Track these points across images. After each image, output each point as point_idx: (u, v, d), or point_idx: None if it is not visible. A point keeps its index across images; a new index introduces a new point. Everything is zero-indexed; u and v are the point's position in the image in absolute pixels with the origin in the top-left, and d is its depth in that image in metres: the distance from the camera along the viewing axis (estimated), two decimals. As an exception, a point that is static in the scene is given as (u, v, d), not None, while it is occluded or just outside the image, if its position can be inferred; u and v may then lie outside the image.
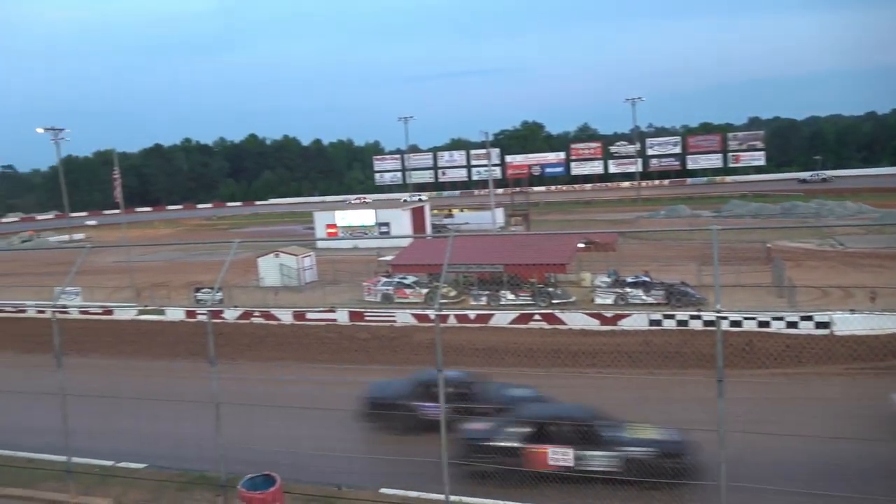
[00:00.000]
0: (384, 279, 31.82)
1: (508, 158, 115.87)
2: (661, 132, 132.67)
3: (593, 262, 32.23)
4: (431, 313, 9.52)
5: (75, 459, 10.95)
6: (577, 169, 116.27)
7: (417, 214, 56.89)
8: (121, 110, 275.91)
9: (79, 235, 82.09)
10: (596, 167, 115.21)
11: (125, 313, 29.10)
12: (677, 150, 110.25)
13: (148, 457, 12.24)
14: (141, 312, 29.06)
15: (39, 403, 12.13)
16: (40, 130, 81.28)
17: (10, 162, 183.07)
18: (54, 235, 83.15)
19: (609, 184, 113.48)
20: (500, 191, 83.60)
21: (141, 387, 15.78)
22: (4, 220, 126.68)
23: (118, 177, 41.31)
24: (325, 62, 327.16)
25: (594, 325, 23.41)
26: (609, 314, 23.79)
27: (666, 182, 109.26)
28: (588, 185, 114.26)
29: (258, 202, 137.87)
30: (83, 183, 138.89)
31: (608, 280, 28.53)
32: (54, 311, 11.03)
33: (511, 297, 28.55)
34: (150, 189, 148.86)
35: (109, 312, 29.54)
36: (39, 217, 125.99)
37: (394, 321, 25.90)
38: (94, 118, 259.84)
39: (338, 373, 19.08)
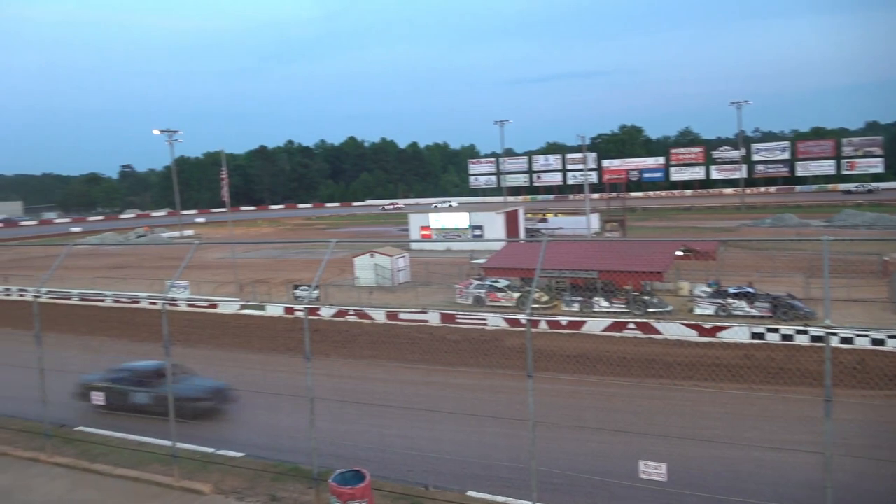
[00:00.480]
0: (476, 282, 31.81)
1: (605, 163, 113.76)
2: (768, 137, 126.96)
3: (692, 270, 31.11)
4: (523, 318, 9.41)
5: (180, 445, 11.51)
6: (678, 174, 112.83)
7: (511, 218, 56.62)
8: (229, 113, 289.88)
9: (188, 232, 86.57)
10: (697, 173, 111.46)
11: (228, 307, 30.38)
12: (786, 155, 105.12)
13: (245, 445, 12.72)
14: (243, 307, 30.27)
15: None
16: (157, 132, 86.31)
17: (130, 161, 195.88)
18: (166, 232, 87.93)
19: (711, 190, 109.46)
20: (595, 196, 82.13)
21: (240, 378, 16.44)
22: (123, 216, 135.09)
23: (225, 177, 43.23)
24: (424, 66, 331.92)
25: (691, 336, 22.61)
26: (708, 325, 22.92)
27: (772, 189, 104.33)
28: (688, 192, 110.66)
29: (355, 203, 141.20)
30: (194, 182, 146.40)
31: (709, 290, 27.49)
32: (165, 304, 11.64)
33: (605, 304, 27.98)
34: (255, 188, 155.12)
35: (214, 306, 30.92)
36: (154, 214, 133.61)
37: (485, 324, 25.85)
38: (206, 121, 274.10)
39: (428, 373, 19.21)
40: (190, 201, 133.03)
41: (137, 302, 31.57)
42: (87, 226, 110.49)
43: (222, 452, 12.40)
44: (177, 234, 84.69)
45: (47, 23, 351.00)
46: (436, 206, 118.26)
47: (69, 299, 33.36)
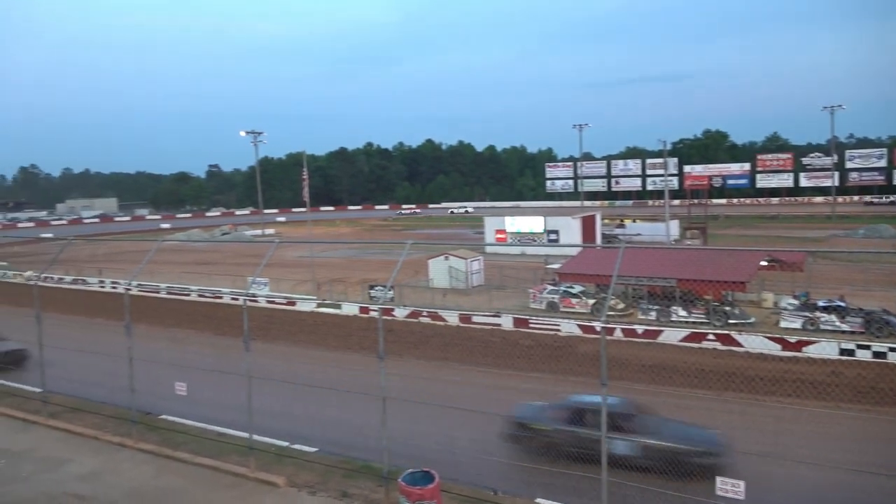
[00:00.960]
0: (550, 287, 31.53)
1: (687, 168, 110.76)
2: (863, 143, 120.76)
3: (777, 282, 29.90)
4: (598, 325, 9.27)
5: (256, 437, 11.85)
6: (764, 181, 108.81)
7: (588, 223, 55.84)
8: (311, 116, 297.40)
9: (269, 231, 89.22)
10: (785, 180, 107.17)
11: (306, 305, 31.11)
12: (882, 163, 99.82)
13: (318, 441, 12.98)
14: (319, 305, 30.92)
15: (229, 382, 13.28)
16: (243, 133, 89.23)
17: (217, 161, 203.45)
18: (249, 230, 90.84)
19: (799, 198, 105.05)
20: (676, 202, 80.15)
21: (315, 375, 16.78)
22: (209, 213, 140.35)
23: (306, 177, 44.35)
24: (503, 69, 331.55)
25: (775, 349, 21.73)
26: (793, 339, 21.97)
27: (867, 198, 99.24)
28: (774, 199, 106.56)
29: (431, 205, 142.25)
30: (276, 182, 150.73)
31: (796, 302, 26.38)
32: (245, 299, 12.02)
33: (683, 313, 27.22)
34: (334, 189, 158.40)
35: (292, 303, 31.72)
36: (238, 212, 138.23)
37: (558, 330, 25.57)
38: (289, 123, 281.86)
39: (500, 377, 19.15)
40: (272, 201, 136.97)
41: (220, 297, 32.69)
42: (175, 223, 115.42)
43: (296, 447, 12.70)
44: (259, 232, 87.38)
45: (147, 29, 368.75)
46: (452, 212, 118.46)
47: (157, 292, 34.88)
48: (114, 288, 37.62)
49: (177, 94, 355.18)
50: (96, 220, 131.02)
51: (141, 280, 30.57)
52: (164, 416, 14.64)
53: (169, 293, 35.90)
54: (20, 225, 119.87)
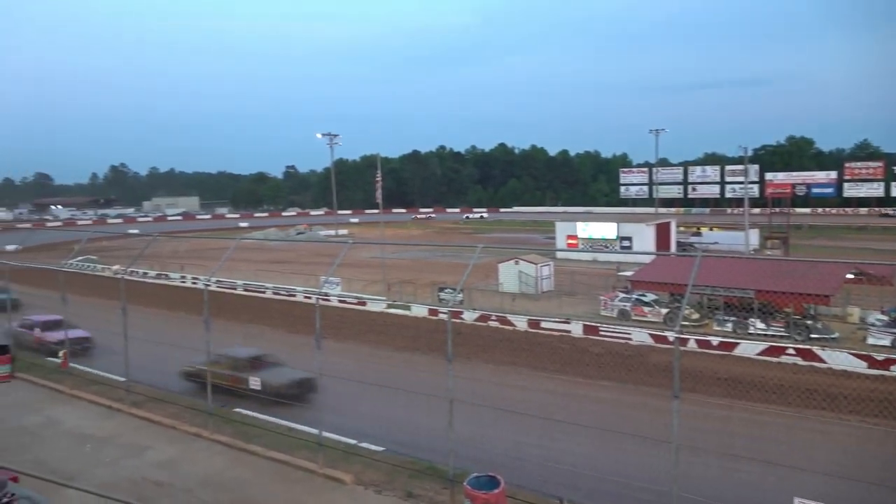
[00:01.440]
0: (622, 295, 31.05)
1: (769, 176, 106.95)
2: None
3: (864, 296, 28.52)
4: (671, 335, 9.05)
5: (325, 434, 12.08)
6: (852, 191, 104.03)
7: (662, 231, 54.68)
8: (386, 118, 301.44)
9: (343, 231, 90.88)
10: (875, 189, 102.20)
11: (376, 306, 31.52)
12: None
13: (385, 441, 13.13)
14: (389, 306, 31.27)
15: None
16: (319, 136, 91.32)
17: (294, 162, 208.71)
18: (323, 230, 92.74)
19: (890, 209, 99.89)
20: (756, 210, 77.43)
21: (384, 375, 16.99)
22: (285, 213, 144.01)
23: (380, 179, 44.94)
24: (577, 72, 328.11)
25: (860, 367, 20.71)
26: (880, 357, 20.89)
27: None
28: (863, 210, 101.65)
29: (503, 209, 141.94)
30: (350, 183, 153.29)
31: (885, 318, 25.09)
32: (318, 298, 12.27)
33: (761, 326, 26.28)
34: (407, 191, 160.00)
35: (363, 303, 32.19)
36: (313, 213, 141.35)
37: (629, 339, 25.09)
38: (364, 125, 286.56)
39: (569, 384, 18.93)
40: (346, 202, 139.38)
41: (294, 295, 33.45)
42: (253, 221, 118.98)
43: (364, 445, 12.88)
44: (332, 232, 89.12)
45: (231, 33, 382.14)
46: (467, 217, 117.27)
47: (235, 289, 36.03)
48: (194, 283, 39.00)
49: (257, 96, 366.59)
50: (179, 217, 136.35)
51: (220, 276, 31.62)
52: (237, 410, 15.09)
53: (245, 290, 37.02)
54: (109, 221, 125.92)
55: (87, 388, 16.95)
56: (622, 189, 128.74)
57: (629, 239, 52.91)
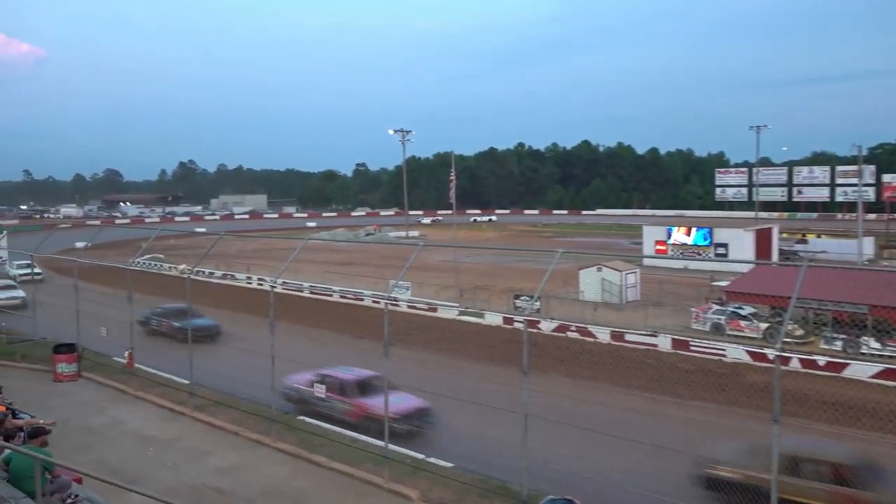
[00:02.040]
0: (716, 307, 30.27)
1: (886, 178, 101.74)
2: None
3: None
4: (771, 352, 8.73)
5: (391, 447, 12.19)
6: None
7: (763, 237, 52.98)
8: (461, 115, 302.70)
9: (414, 233, 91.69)
10: None
11: (447, 312, 31.64)
12: None
13: (455, 456, 13.13)
14: (461, 313, 31.35)
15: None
16: (391, 132, 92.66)
17: (364, 160, 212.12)
18: (393, 231, 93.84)
19: None
20: (871, 216, 74.01)
21: (454, 386, 17.02)
22: (354, 213, 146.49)
23: (453, 178, 45.11)
24: (668, 66, 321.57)
25: None
26: None
27: None
28: None
29: (585, 212, 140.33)
30: (422, 182, 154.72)
31: None
32: (387, 303, 12.40)
33: (875, 345, 25.05)
34: (482, 191, 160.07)
35: (434, 310, 32.36)
36: (383, 213, 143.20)
37: (723, 355, 24.41)
38: (437, 121, 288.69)
39: (654, 403, 18.53)
40: (417, 201, 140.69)
41: (361, 299, 33.96)
42: (321, 221, 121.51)
43: (432, 460, 12.92)
44: (402, 234, 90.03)
45: (299, 27, 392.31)
46: (475, 220, 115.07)
47: (301, 291, 36.81)
48: (259, 285, 40.09)
49: (327, 91, 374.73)
50: (246, 216, 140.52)
51: (286, 278, 32.40)
52: (301, 418, 15.39)
53: (311, 292, 37.77)
54: (176, 219, 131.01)
55: (151, 389, 17.65)
56: (718, 191, 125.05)
57: (725, 246, 51.57)
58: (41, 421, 11.91)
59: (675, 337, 26.13)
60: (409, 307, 31.94)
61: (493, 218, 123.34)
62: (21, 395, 14.87)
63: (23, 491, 7.76)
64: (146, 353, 19.97)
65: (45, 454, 8.31)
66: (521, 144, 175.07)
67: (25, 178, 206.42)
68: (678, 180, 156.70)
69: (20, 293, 29.99)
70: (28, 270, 33.80)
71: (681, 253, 52.64)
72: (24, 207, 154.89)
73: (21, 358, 20.60)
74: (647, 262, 47.41)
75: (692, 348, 25.22)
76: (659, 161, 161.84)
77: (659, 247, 55.09)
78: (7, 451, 8.62)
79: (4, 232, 28.53)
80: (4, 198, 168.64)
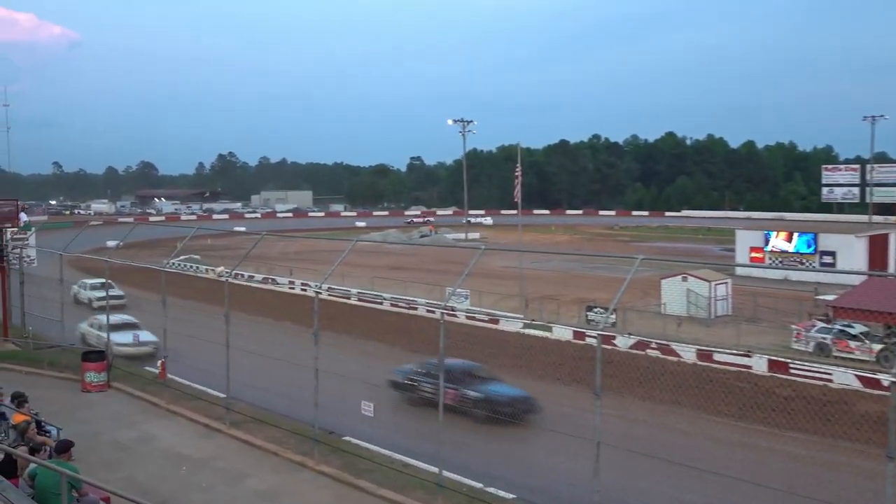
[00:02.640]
0: (821, 324, 29.56)
1: None
2: None
3: None
4: (886, 378, 8.46)
5: (446, 473, 12.22)
6: None
7: (877, 244, 51.50)
8: (528, 104, 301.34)
9: (474, 235, 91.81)
10: None
11: (511, 324, 31.57)
12: None
13: (516, 486, 13.11)
14: (526, 326, 31.23)
15: (418, 404, 13.86)
16: (450, 122, 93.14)
17: (419, 153, 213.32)
18: (451, 233, 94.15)
19: None
20: None
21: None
22: (408, 212, 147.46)
23: (519, 174, 45.05)
24: (768, 46, 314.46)
25: None
26: None
27: None
28: None
29: (668, 213, 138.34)
30: (483, 178, 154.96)
31: None
32: (443, 313, 12.45)
33: None
34: (551, 189, 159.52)
35: (495, 321, 32.34)
36: (440, 212, 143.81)
37: (829, 380, 23.80)
38: (502, 111, 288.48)
39: (747, 433, 18.17)
40: (478, 200, 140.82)
41: (415, 308, 34.15)
42: (371, 221, 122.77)
43: (491, 490, 12.91)
44: (461, 236, 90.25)
45: (348, 12, 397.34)
46: (468, 221, 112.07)
47: (348, 298, 37.28)
48: (303, 290, 40.75)
49: (379, 78, 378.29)
50: (289, 214, 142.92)
51: (331, 283, 32.84)
52: (347, 438, 15.56)
53: (360, 299, 38.20)
54: (214, 216, 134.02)
55: (184, 402, 18.10)
56: (824, 191, 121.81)
57: (832, 254, 50.27)
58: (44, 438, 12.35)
59: (773, 358, 25.62)
60: (468, 318, 31.97)
61: (486, 220, 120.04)
62: (48, 405, 15.46)
63: (48, 509, 8.05)
64: (178, 362, 20.48)
65: (73, 469, 8.60)
66: (596, 136, 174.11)
67: (55, 171, 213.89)
68: (778, 178, 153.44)
69: (150, 337, 23.08)
70: (104, 293, 27.57)
71: (780, 262, 51.67)
72: (53, 203, 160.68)
73: (48, 365, 21.40)
74: (740, 271, 46.47)
75: (792, 371, 24.68)
76: (756, 156, 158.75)
77: (754, 254, 54.04)
78: (33, 466, 8.96)
79: (33, 229, 29.15)
80: (33, 192, 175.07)
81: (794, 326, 30.34)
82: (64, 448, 9.78)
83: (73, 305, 29.75)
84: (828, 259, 50.24)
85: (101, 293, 29.04)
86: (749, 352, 26.24)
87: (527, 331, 31.09)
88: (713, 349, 26.85)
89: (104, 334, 22.45)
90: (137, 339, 23.11)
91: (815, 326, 29.68)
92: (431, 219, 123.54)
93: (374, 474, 13.37)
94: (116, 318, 24.30)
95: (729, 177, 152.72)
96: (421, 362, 19.28)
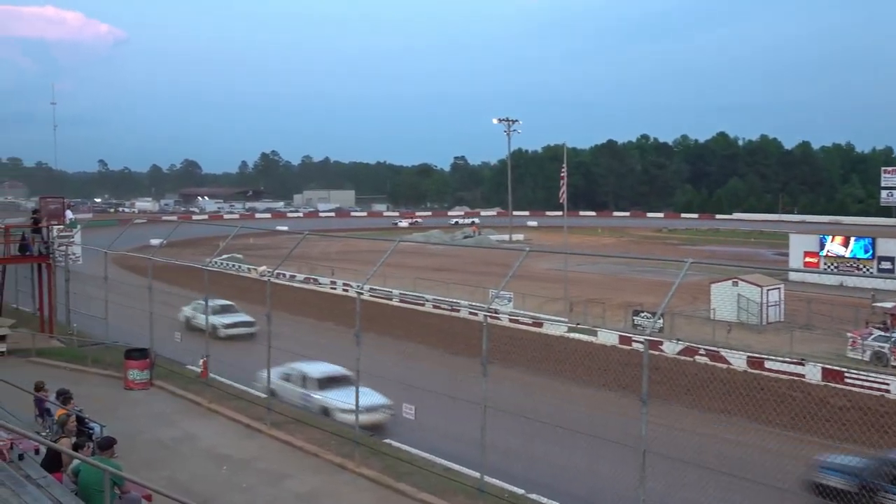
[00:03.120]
0: (879, 332, 29.01)
1: None
2: None
3: None
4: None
5: (488, 478, 12.21)
6: None
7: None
8: (575, 102, 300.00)
9: (518, 236, 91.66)
10: None
11: (555, 328, 31.48)
12: None
13: (560, 493, 13.06)
14: (571, 330, 31.11)
15: (460, 409, 13.88)
16: (495, 121, 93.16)
17: (463, 153, 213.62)
18: (494, 234, 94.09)
19: None
20: None
21: (561, 412, 16.91)
22: (451, 213, 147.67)
23: (565, 175, 44.84)
24: (826, 42, 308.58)
25: None
26: None
27: None
28: None
29: (719, 216, 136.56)
30: (528, 179, 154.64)
31: None
32: (486, 315, 12.46)
33: None
34: (597, 190, 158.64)
35: (539, 324, 32.26)
36: (483, 213, 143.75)
37: (886, 390, 23.37)
38: (548, 110, 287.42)
39: (800, 444, 17.85)
40: (523, 200, 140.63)
41: (457, 310, 34.20)
42: (413, 221, 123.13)
43: (533, 496, 12.88)
44: (505, 237, 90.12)
45: (394, 9, 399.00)
46: (456, 222, 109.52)
47: (390, 299, 37.47)
48: (345, 290, 41.02)
49: (423, 76, 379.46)
50: (332, 213, 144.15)
51: (373, 284, 33.05)
52: (388, 441, 15.64)
53: (402, 300, 38.34)
54: (257, 215, 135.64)
55: (226, 402, 18.34)
56: (883, 194, 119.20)
57: (891, 260, 49.30)
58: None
59: (827, 366, 25.21)
60: (511, 321, 31.94)
61: (477, 221, 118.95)
62: (91, 402, 15.77)
63: (91, 505, 8.23)
64: (220, 363, 20.76)
65: (116, 467, 8.78)
66: (644, 136, 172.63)
67: (100, 169, 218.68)
68: (834, 181, 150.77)
69: (379, 398, 17.09)
70: (236, 318, 28.23)
71: (836, 267, 50.75)
72: (98, 200, 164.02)
73: (92, 362, 21.84)
74: (793, 276, 45.81)
75: (847, 381, 24.28)
76: (811, 157, 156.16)
77: (809, 259, 53.14)
78: (76, 462, 9.17)
79: (78, 227, 29.81)
80: (79, 190, 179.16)
81: (849, 334, 29.81)
82: (107, 445, 9.99)
83: (186, 332, 24.94)
84: (887, 265, 49.43)
85: (230, 318, 27.91)
86: (802, 360, 25.83)
87: (571, 335, 30.99)
88: (764, 356, 26.51)
89: (315, 393, 18.11)
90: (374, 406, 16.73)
91: (871, 334, 29.15)
92: (475, 219, 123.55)
93: (414, 477, 13.42)
94: (325, 367, 18.84)
95: (783, 179, 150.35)
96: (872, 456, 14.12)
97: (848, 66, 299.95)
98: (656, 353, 26.39)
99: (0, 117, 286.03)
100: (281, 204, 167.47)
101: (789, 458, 16.14)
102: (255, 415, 17.23)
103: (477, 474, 12.38)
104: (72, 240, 27.38)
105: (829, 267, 51.56)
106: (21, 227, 28.74)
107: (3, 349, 22.71)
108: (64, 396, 13.71)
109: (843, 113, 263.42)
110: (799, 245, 55.48)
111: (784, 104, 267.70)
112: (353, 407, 14.56)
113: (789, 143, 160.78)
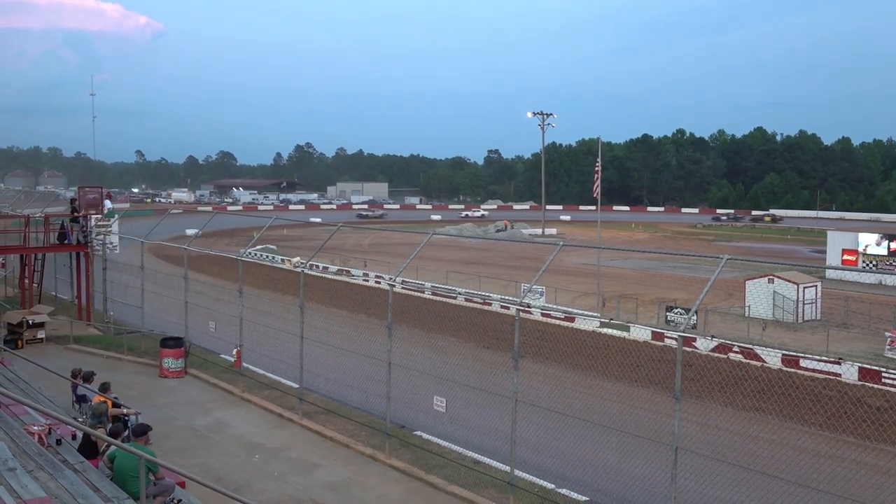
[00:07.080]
0: (918, 332, 28.47)
1: None
2: None
3: None
4: None
5: (518, 472, 12.20)
6: None
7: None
8: (610, 96, 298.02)
9: (551, 230, 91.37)
10: None
11: (587, 323, 31.32)
12: None
13: (590, 489, 13.01)
14: (603, 325, 30.95)
15: (491, 403, 13.89)
16: (530, 115, 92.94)
17: (497, 146, 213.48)
18: (527, 228, 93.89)
19: None
20: None
21: (592, 408, 16.84)
22: (484, 206, 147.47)
23: (599, 169, 44.56)
24: (866, 35, 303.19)
25: None
26: None
27: None
28: None
29: (755, 212, 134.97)
30: (562, 173, 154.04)
31: None
32: (518, 309, 12.43)
33: None
34: (632, 185, 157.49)
35: (571, 319, 32.11)
36: (516, 207, 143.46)
37: (926, 391, 22.95)
38: (583, 104, 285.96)
39: (835, 445, 17.63)
40: (556, 195, 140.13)
41: (489, 304, 34.19)
42: (446, 214, 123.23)
43: (563, 492, 12.85)
44: (538, 231, 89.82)
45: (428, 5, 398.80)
46: (466, 216, 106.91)
47: (422, 292, 37.50)
48: (377, 283, 41.16)
49: (458, 69, 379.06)
50: (365, 206, 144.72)
51: (405, 276, 33.12)
52: (418, 433, 15.69)
53: (433, 294, 38.38)
54: (291, 207, 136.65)
55: (258, 392, 18.53)
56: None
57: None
58: (125, 410, 12.91)
59: (864, 366, 24.80)
60: (543, 315, 31.87)
61: (485, 213, 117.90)
62: (127, 390, 16.03)
63: (126, 491, 8.34)
64: (254, 352, 20.96)
65: (150, 453, 8.91)
66: (680, 131, 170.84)
67: (138, 160, 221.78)
68: (874, 177, 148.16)
69: None
70: None
71: (875, 265, 49.85)
72: (135, 190, 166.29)
73: (128, 350, 22.17)
74: (830, 274, 45.13)
75: (885, 381, 23.85)
76: (851, 154, 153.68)
77: (847, 257, 52.27)
78: (112, 448, 9.31)
79: (116, 216, 30.24)
80: (117, 180, 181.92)
81: (888, 333, 29.32)
82: (141, 432, 10.16)
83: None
84: (926, 264, 48.49)
85: None
86: (839, 358, 25.47)
87: (604, 330, 30.83)
88: (800, 355, 26.16)
89: None
90: None
91: (910, 334, 28.68)
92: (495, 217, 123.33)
93: (444, 470, 13.46)
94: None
95: (821, 175, 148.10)
96: None
97: (889, 62, 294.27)
98: (689, 349, 26.24)
99: (41, 108, 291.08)
100: (315, 195, 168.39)
101: (826, 458, 15.95)
102: (286, 404, 17.38)
103: (507, 468, 12.38)
104: (109, 229, 27.75)
105: (868, 265, 50.75)
106: (60, 216, 29.23)
107: (42, 336, 23.13)
108: (103, 386, 14.03)
109: (885, 109, 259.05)
110: (837, 243, 54.61)
111: (824, 100, 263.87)
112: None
113: (828, 139, 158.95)
